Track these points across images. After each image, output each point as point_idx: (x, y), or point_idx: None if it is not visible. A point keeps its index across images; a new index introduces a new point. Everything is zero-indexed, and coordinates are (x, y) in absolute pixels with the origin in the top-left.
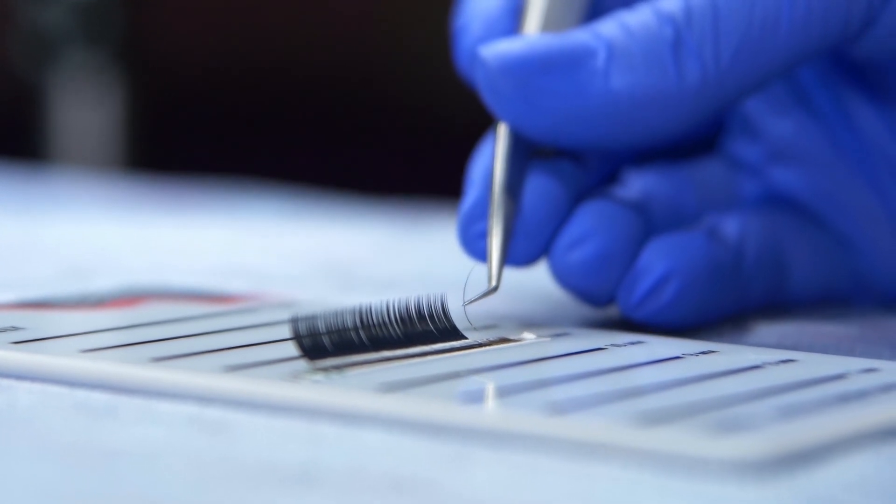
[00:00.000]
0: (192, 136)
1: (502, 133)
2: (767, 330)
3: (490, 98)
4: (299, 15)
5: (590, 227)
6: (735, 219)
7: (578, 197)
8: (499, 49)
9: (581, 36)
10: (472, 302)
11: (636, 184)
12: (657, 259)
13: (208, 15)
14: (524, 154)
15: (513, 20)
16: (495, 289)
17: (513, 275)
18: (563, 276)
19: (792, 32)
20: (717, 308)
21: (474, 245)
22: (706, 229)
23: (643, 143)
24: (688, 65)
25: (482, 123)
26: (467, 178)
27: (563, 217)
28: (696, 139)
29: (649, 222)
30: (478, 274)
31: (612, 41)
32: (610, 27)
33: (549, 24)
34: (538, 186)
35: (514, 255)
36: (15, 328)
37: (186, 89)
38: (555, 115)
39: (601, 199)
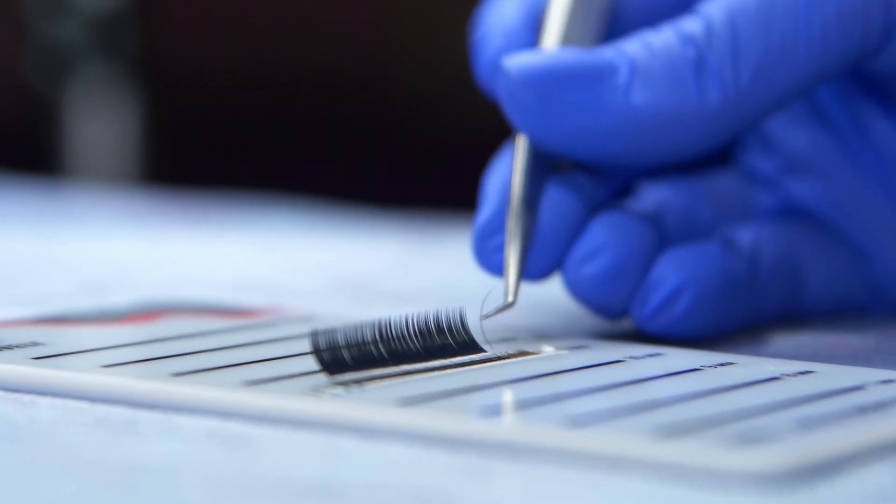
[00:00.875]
0: (207, 149)
1: (521, 146)
2: (784, 341)
3: (511, 109)
4: (313, 28)
5: (603, 240)
6: (750, 230)
7: (593, 210)
8: (522, 60)
9: (605, 52)
10: (488, 317)
11: (650, 196)
12: (671, 271)
13: (222, 29)
14: (542, 168)
15: (533, 33)
16: (512, 304)
17: (531, 288)
18: (576, 290)
19: (810, 51)
20: (731, 320)
21: (489, 259)
22: (721, 241)
23: (661, 162)
24: (709, 85)
25: (499, 136)
26: (482, 192)
27: (578, 231)
28: (713, 153)
29: (663, 234)
30: (496, 291)
31: (634, 59)
32: (633, 45)
33: (568, 39)
34: (553, 201)
35: (530, 270)
36: (35, 344)
37: (201, 102)
38: (575, 129)
39: (614, 212)
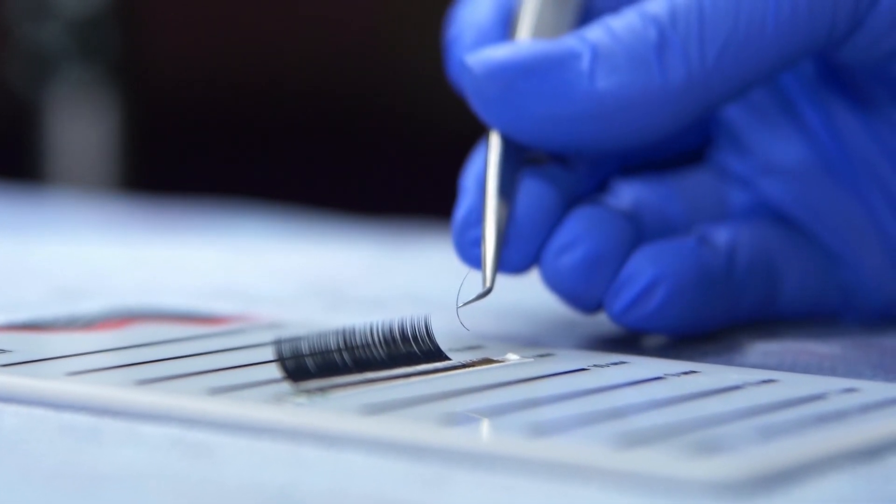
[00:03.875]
0: (186, 154)
1: (494, 139)
2: (750, 349)
3: (477, 104)
4: (294, 36)
5: (580, 231)
6: (725, 229)
7: (570, 204)
8: (484, 55)
9: (566, 40)
10: (466, 304)
11: (626, 193)
12: (645, 265)
13: (204, 34)
14: (516, 160)
15: (505, 31)
16: (489, 290)
17: (497, 295)
18: (553, 281)
19: (777, 33)
20: (706, 317)
21: (469, 252)
22: (696, 237)
23: (631, 145)
24: (672, 64)
25: (473, 142)
26: (460, 187)
27: (555, 223)
28: (684, 150)
29: (639, 230)
30: (471, 281)
31: (596, 44)
32: (595, 31)
33: (540, 32)
34: (531, 192)
35: (508, 262)
36: (3, 351)
37: (181, 107)
38: (542, 118)
39: (592, 206)
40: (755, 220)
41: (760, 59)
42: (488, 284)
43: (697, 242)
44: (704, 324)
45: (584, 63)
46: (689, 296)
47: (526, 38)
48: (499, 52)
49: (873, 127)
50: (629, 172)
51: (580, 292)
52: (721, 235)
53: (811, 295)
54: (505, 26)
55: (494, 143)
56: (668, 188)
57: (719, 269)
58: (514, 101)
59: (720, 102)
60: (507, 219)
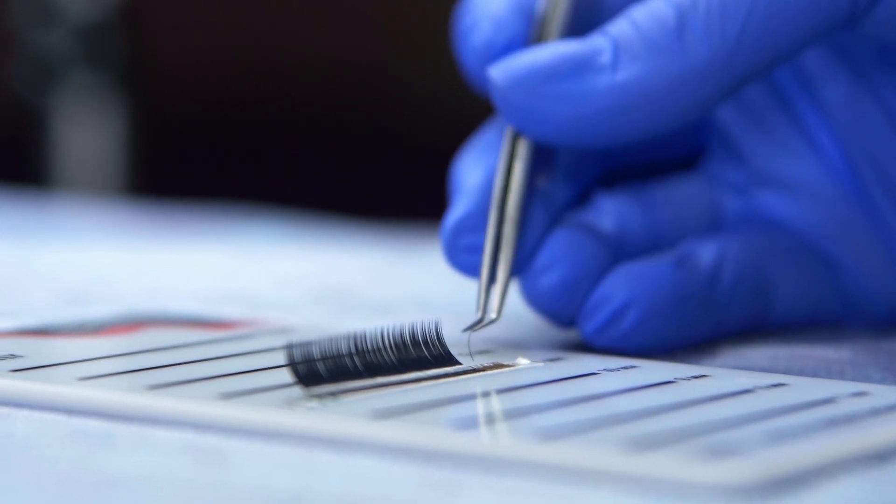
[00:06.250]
0: (193, 159)
1: (521, 152)
2: (759, 353)
3: (507, 115)
4: (299, 41)
5: (558, 254)
6: (713, 244)
7: (554, 220)
8: (506, 65)
9: (587, 38)
10: (468, 329)
11: (609, 208)
12: (618, 287)
13: (209, 39)
14: (531, 177)
15: (522, 20)
16: (495, 321)
17: (508, 299)
18: (532, 299)
19: (800, 8)
20: (687, 335)
21: (460, 258)
22: (675, 257)
23: (662, 132)
24: (693, 46)
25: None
26: (454, 185)
27: (540, 239)
28: (674, 157)
29: (620, 248)
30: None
31: (617, 37)
32: (617, 24)
33: (567, 30)
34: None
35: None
36: (13, 356)
37: (187, 112)
38: (571, 119)
39: (570, 228)
40: (747, 229)
41: (783, 35)
42: (494, 315)
43: (675, 263)
44: (683, 341)
45: (605, 58)
46: (663, 317)
47: (550, 40)
48: (521, 60)
49: (877, 129)
50: (613, 182)
51: (557, 311)
52: (707, 252)
53: (810, 303)
54: (522, 16)
55: (521, 156)
56: (655, 199)
57: (699, 288)
58: (540, 107)
59: (744, 82)
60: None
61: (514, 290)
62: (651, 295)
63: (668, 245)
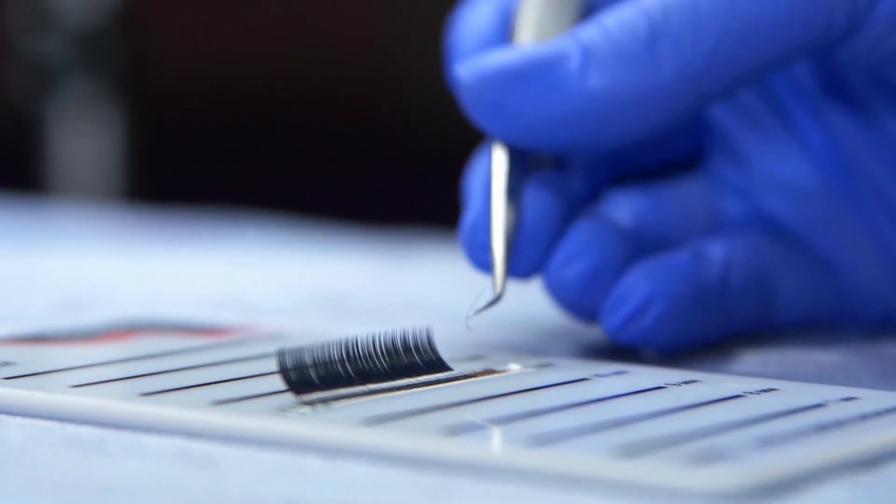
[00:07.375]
0: (189, 164)
1: (498, 144)
2: (751, 357)
3: (472, 112)
4: (298, 46)
5: (583, 243)
6: (720, 243)
7: (571, 211)
8: (474, 64)
9: (557, 41)
10: (478, 312)
11: (623, 204)
12: (640, 282)
13: (207, 45)
14: (521, 165)
15: (505, 34)
16: (500, 297)
17: (498, 304)
18: (556, 291)
19: (773, 30)
20: (701, 332)
21: (479, 256)
22: (691, 251)
23: (627, 142)
24: (663, 60)
25: (476, 153)
26: (467, 192)
27: (560, 229)
28: (675, 158)
29: (638, 242)
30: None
31: (588, 43)
32: (588, 30)
33: (539, 35)
34: (536, 199)
35: (517, 268)
36: (7, 363)
37: (185, 118)
38: (536, 122)
39: (593, 218)
40: (749, 231)
41: (754, 56)
42: (498, 291)
43: (692, 258)
44: (698, 339)
45: (574, 63)
46: (683, 312)
47: (521, 43)
48: (489, 60)
49: (868, 134)
50: (622, 181)
51: (581, 303)
52: (716, 250)
53: (808, 306)
54: (506, 31)
55: (499, 149)
56: (661, 199)
57: (714, 284)
58: (507, 106)
59: (712, 99)
60: (515, 225)
61: (507, 297)
62: (672, 289)
63: (676, 243)
